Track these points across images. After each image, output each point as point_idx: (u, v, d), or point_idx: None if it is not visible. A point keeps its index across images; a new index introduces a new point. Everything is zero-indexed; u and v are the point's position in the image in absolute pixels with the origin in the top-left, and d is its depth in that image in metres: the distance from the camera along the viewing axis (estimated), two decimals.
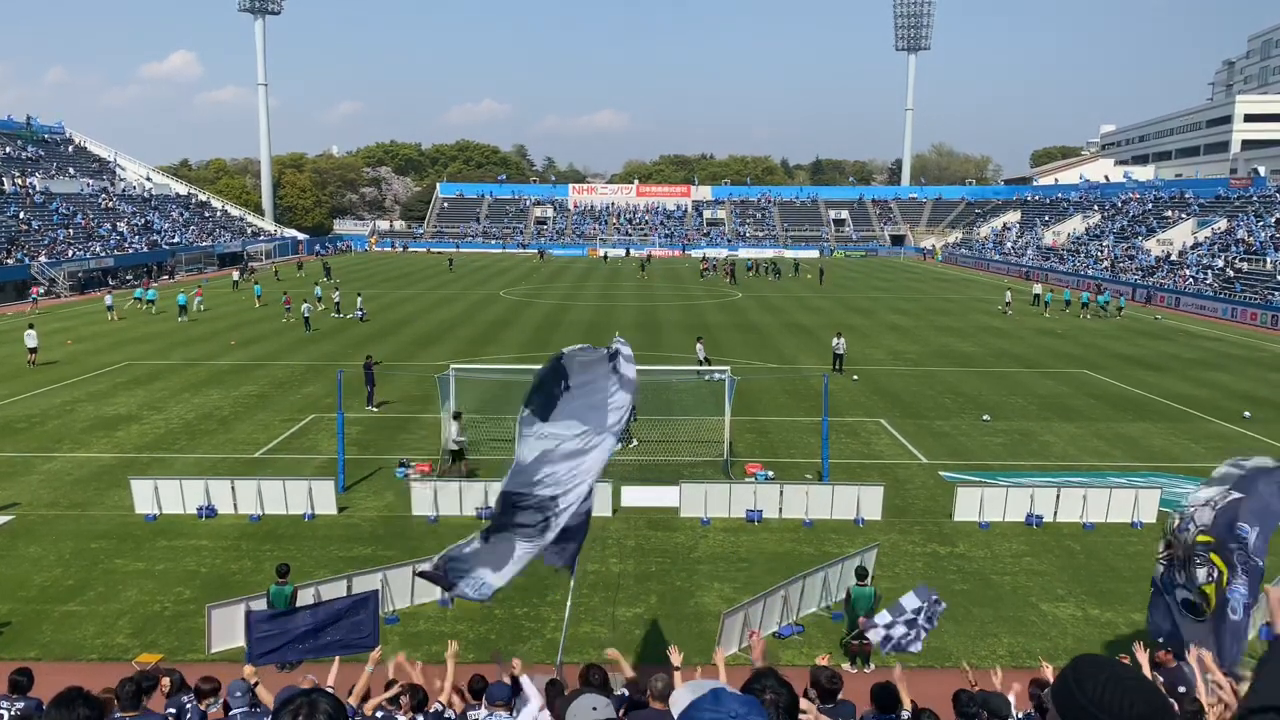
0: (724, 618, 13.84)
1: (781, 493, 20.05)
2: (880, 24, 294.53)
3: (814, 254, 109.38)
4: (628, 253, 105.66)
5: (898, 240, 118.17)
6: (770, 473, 22.53)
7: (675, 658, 7.92)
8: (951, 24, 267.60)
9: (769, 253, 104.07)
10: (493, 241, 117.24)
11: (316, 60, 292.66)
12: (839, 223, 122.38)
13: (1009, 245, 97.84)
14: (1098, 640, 14.77)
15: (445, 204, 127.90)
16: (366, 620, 10.84)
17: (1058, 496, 20.00)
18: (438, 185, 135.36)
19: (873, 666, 13.83)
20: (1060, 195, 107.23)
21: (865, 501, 19.96)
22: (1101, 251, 79.80)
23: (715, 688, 2.84)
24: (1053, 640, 14.81)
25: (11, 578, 16.66)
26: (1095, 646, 14.39)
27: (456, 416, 22.57)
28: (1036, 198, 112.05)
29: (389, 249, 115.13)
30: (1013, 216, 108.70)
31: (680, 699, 2.99)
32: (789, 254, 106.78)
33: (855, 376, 34.63)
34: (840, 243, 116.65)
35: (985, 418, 28.94)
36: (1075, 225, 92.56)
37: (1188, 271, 65.93)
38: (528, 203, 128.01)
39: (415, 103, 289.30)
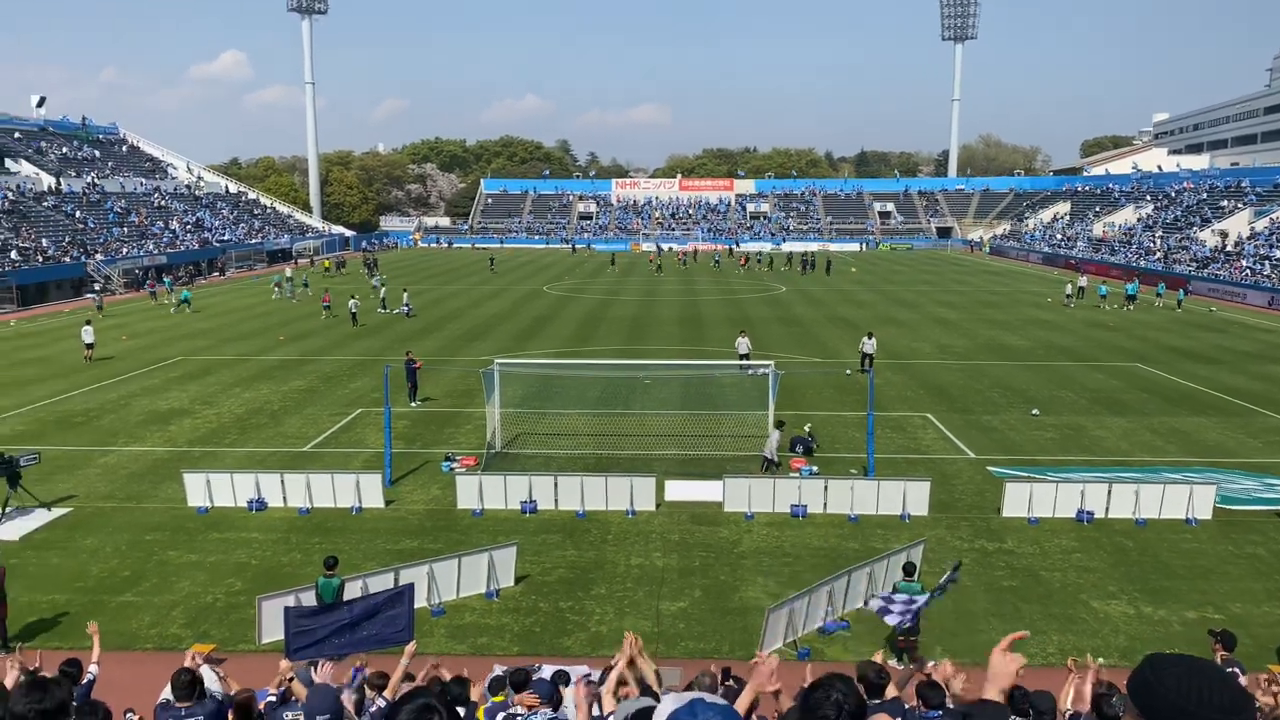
0: (768, 613, 13.78)
1: (826, 488, 19.92)
2: (926, 13, 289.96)
3: (856, 247, 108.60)
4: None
5: (944, 232, 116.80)
6: (814, 467, 22.41)
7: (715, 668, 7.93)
8: (999, 12, 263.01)
9: (814, 246, 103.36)
10: (536, 237, 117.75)
11: (362, 59, 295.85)
12: (884, 215, 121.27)
13: (1058, 237, 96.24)
14: (1151, 639, 14.49)
15: (489, 200, 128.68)
16: (402, 614, 10.93)
17: (1109, 492, 19.64)
18: (482, 181, 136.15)
19: (926, 663, 13.68)
20: (1111, 186, 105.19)
21: (911, 497, 19.76)
22: (1154, 243, 78.21)
23: (694, 698, 2.86)
24: (1104, 638, 14.56)
25: (70, 568, 17.08)
26: (1149, 645, 14.11)
27: (779, 426, 22.70)
28: (1087, 188, 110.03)
29: (434, 245, 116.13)
30: (1062, 208, 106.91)
31: (663, 710, 3.01)
32: (833, 247, 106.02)
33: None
34: (886, 235, 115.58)
35: (1034, 412, 28.52)
36: (1127, 216, 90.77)
37: (1244, 262, 64.38)
38: (571, 198, 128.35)
39: (459, 99, 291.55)
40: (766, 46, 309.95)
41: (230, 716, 8.24)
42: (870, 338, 34.82)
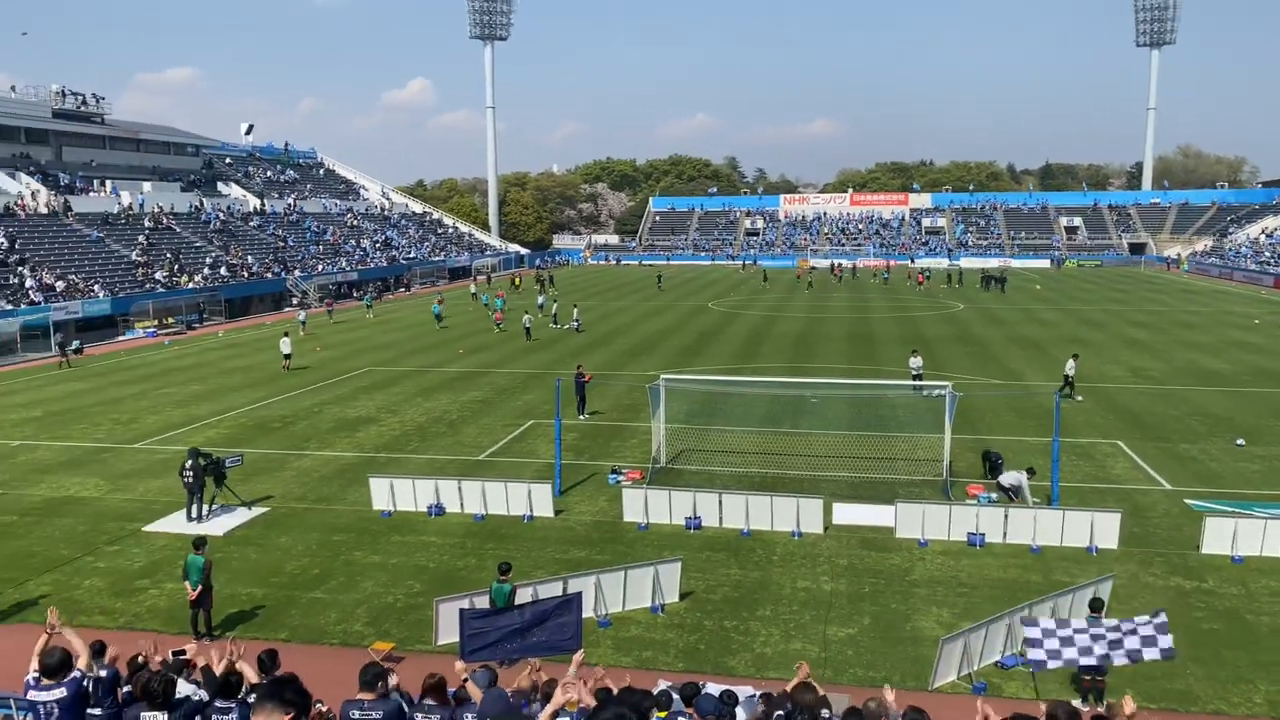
0: (942, 643, 13.24)
1: (1007, 516, 19.00)
2: (1118, 17, 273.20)
3: (1046, 263, 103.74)
4: (834, 267, 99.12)
5: (1137, 249, 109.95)
6: (994, 495, 21.43)
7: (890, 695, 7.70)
8: (1200, 14, 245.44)
9: (994, 262, 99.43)
10: (702, 254, 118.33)
11: (540, 83, 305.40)
12: (1071, 230, 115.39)
13: (1267, 254, 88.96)
14: None
15: (657, 217, 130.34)
16: (571, 623, 11.08)
17: None
18: (650, 199, 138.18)
19: (1107, 704, 12.82)
20: None
21: (1100, 528, 18.59)
22: None
23: None
24: None
25: (266, 564, 18.27)
26: None
27: (1030, 472, 21.27)
28: None
29: (603, 262, 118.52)
30: (1272, 222, 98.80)
31: None
32: (1015, 263, 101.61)
33: (1079, 397, 31.99)
34: (1072, 251, 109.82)
35: (1239, 441, 26.36)
36: None
37: None
38: (737, 214, 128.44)
39: (631, 120, 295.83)
40: (944, 55, 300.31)
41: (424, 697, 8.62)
42: (1075, 359, 33.01)
